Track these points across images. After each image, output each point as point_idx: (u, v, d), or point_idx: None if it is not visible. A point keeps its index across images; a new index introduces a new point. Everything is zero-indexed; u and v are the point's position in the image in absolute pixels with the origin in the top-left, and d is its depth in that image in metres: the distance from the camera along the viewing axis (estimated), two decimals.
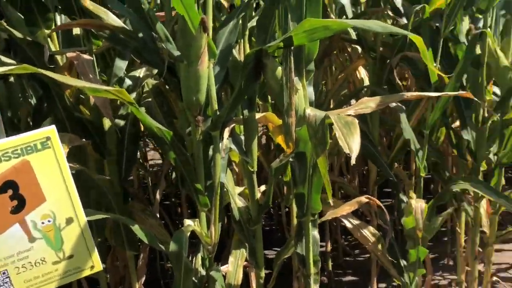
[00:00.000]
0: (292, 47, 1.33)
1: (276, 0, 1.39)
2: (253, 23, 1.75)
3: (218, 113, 1.41)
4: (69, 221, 0.97)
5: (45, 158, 0.93)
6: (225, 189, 1.67)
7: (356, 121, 0.98)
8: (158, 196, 2.04)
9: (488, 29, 2.02)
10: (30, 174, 0.92)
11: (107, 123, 1.73)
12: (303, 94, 1.42)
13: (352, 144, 0.90)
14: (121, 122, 1.84)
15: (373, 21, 1.22)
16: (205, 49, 1.31)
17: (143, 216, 1.86)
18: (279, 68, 1.36)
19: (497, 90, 2.22)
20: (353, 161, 0.88)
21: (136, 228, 1.42)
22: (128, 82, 1.86)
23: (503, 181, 2.15)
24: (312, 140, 1.15)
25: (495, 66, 2.08)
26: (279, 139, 1.72)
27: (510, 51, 2.15)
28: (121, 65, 1.77)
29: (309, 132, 1.15)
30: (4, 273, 0.92)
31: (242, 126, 1.70)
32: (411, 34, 1.16)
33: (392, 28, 1.18)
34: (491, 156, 2.15)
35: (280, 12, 1.38)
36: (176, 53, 1.33)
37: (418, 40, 1.15)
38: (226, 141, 1.53)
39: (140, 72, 1.93)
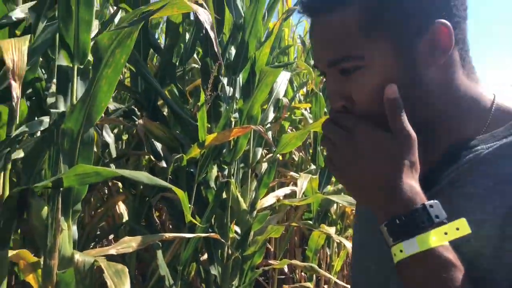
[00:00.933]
0: (61, 189, 1.35)
1: (47, 141, 1.42)
2: (18, 154, 1.69)
3: None
4: None
5: None
6: None
7: (127, 269, 1.05)
8: None
9: (232, 178, 2.41)
10: None
11: None
12: (67, 234, 1.41)
13: None
14: None
15: (143, 173, 1.37)
16: None
17: None
18: (46, 208, 1.35)
19: (238, 229, 2.59)
20: None
21: None
22: None
23: None
24: (79, 287, 1.15)
25: (237, 209, 2.47)
26: (30, 278, 1.61)
27: (247, 197, 2.59)
28: None
29: (77, 278, 1.15)
30: None
31: None
32: (173, 187, 1.34)
33: (158, 181, 1.34)
34: None
35: (51, 153, 1.41)
36: None
37: (180, 193, 1.34)
38: None
39: None
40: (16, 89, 1.11)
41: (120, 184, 2.58)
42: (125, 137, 3.03)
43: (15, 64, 1.13)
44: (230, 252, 2.37)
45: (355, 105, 0.61)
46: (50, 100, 1.67)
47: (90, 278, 1.12)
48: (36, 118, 1.69)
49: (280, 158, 4.05)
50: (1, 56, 1.42)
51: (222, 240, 1.99)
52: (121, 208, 2.59)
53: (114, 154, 2.42)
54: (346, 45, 0.59)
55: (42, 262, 1.57)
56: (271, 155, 3.06)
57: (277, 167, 3.72)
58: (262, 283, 3.63)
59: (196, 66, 2.85)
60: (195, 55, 2.88)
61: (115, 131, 3.00)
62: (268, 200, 2.73)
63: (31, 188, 1.30)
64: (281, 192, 2.91)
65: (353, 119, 0.60)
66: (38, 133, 1.83)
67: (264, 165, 2.86)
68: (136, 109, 2.56)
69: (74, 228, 1.49)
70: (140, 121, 2.11)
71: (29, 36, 1.25)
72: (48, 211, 1.34)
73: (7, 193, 1.53)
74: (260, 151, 2.59)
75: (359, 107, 0.61)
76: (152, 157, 2.33)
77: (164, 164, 2.45)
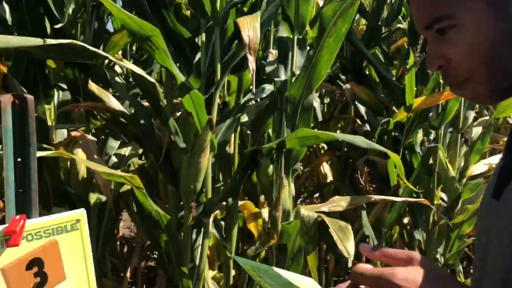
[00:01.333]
0: (284, 150, 1.50)
1: (272, 107, 1.58)
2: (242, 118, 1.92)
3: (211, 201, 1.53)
4: None
5: (72, 239, 1.00)
6: None
7: (349, 226, 1.13)
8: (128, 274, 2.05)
9: (439, 143, 2.31)
10: (56, 253, 0.98)
11: (92, 198, 1.78)
12: (288, 190, 1.57)
13: (349, 248, 1.05)
14: (103, 198, 1.89)
15: (358, 137, 1.42)
16: (208, 143, 1.45)
17: None
18: (271, 166, 1.52)
19: (444, 196, 2.49)
20: (350, 264, 1.01)
21: None
22: (114, 159, 1.94)
23: None
24: (304, 238, 1.28)
25: (444, 176, 2.37)
26: (252, 226, 1.84)
27: (456, 163, 2.45)
28: (113, 144, 1.86)
29: (302, 229, 1.29)
30: None
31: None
32: (390, 152, 1.37)
33: (373, 145, 1.39)
34: (438, 256, 2.36)
35: (275, 117, 1.57)
36: (182, 145, 1.46)
37: (396, 158, 1.36)
38: (210, 226, 1.64)
39: (126, 151, 2.02)
40: (252, 62, 1.26)
41: (323, 145, 2.71)
42: (326, 100, 3.14)
43: (251, 39, 1.27)
44: (436, 218, 2.31)
45: (452, 65, 0.62)
46: (269, 68, 1.84)
47: (314, 231, 1.24)
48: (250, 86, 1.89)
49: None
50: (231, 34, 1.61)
51: (431, 205, 1.95)
52: (325, 168, 2.72)
53: (320, 118, 2.54)
54: (438, 6, 0.61)
55: (262, 213, 1.79)
56: (483, 118, 2.81)
57: None
58: (469, 255, 3.43)
59: (401, 26, 2.75)
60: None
61: (317, 95, 3.13)
62: (479, 167, 2.54)
63: (260, 148, 1.48)
64: (494, 159, 2.67)
65: (371, 275, 0.57)
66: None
67: (475, 130, 2.65)
68: (339, 74, 2.63)
69: (292, 185, 1.65)
70: (348, 85, 2.16)
71: (259, 12, 1.39)
72: (273, 169, 1.51)
73: (237, 152, 1.77)
74: (472, 115, 2.41)
75: (455, 66, 0.62)
76: (358, 120, 2.37)
77: (367, 127, 2.48)
